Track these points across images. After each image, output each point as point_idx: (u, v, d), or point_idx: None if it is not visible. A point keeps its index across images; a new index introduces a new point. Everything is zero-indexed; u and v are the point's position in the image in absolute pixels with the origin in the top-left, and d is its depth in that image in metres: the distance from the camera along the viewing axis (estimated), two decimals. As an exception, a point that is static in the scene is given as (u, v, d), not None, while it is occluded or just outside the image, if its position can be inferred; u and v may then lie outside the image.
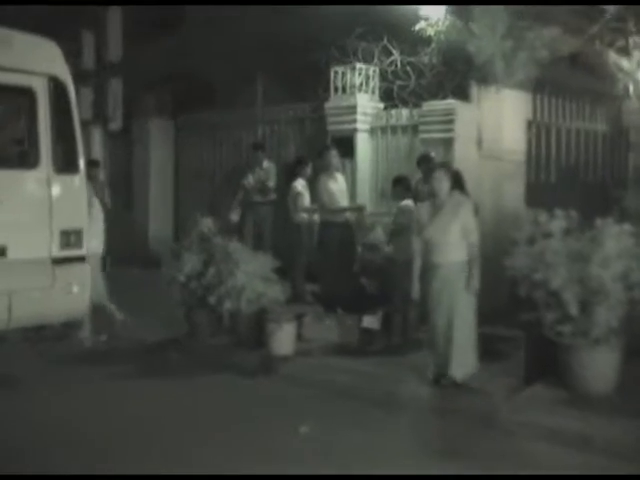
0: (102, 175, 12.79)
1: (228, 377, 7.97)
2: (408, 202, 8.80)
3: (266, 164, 12.20)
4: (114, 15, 14.08)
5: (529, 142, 10.60)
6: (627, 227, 6.64)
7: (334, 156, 10.49)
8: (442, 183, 7.19)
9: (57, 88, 7.49)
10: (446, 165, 8.01)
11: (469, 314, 7.14)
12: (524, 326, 7.19)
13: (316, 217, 10.84)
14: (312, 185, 10.95)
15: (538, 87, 10.57)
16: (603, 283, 6.42)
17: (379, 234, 9.87)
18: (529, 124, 10.59)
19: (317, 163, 11.00)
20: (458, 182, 7.36)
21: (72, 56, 12.61)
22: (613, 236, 6.59)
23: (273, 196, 12.06)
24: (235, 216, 11.82)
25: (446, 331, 7.11)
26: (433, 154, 9.94)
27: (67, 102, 7.57)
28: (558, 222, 6.82)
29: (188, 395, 7.43)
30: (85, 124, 13.71)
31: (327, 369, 7.99)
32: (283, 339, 8.30)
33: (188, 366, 8.42)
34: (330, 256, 10.23)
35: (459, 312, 7.06)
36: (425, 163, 9.57)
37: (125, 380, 7.89)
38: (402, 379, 7.54)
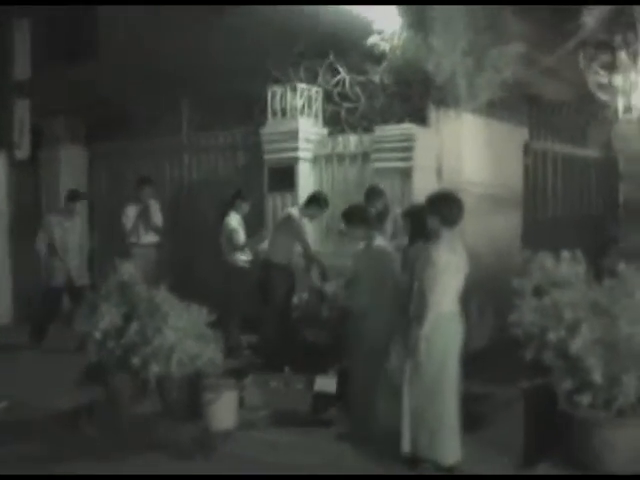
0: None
1: (157, 459, 6.40)
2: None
3: (153, 203, 10.93)
4: (20, 32, 12.76)
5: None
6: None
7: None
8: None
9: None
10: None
11: (456, 380, 5.82)
12: (522, 392, 5.94)
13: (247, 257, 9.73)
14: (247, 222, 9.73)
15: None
16: (634, 344, 5.16)
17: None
18: (526, 148, 9.49)
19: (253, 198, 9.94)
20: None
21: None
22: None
23: (155, 238, 10.85)
24: None
25: (432, 403, 5.76)
26: (381, 185, 8.93)
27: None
28: (572, 267, 5.56)
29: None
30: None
31: (277, 447, 6.54)
32: (223, 410, 6.79)
33: (107, 444, 6.81)
34: (273, 303, 8.83)
35: (448, 378, 5.73)
36: (374, 196, 8.58)
37: (30, 464, 6.26)
38: (371, 459, 6.12)
